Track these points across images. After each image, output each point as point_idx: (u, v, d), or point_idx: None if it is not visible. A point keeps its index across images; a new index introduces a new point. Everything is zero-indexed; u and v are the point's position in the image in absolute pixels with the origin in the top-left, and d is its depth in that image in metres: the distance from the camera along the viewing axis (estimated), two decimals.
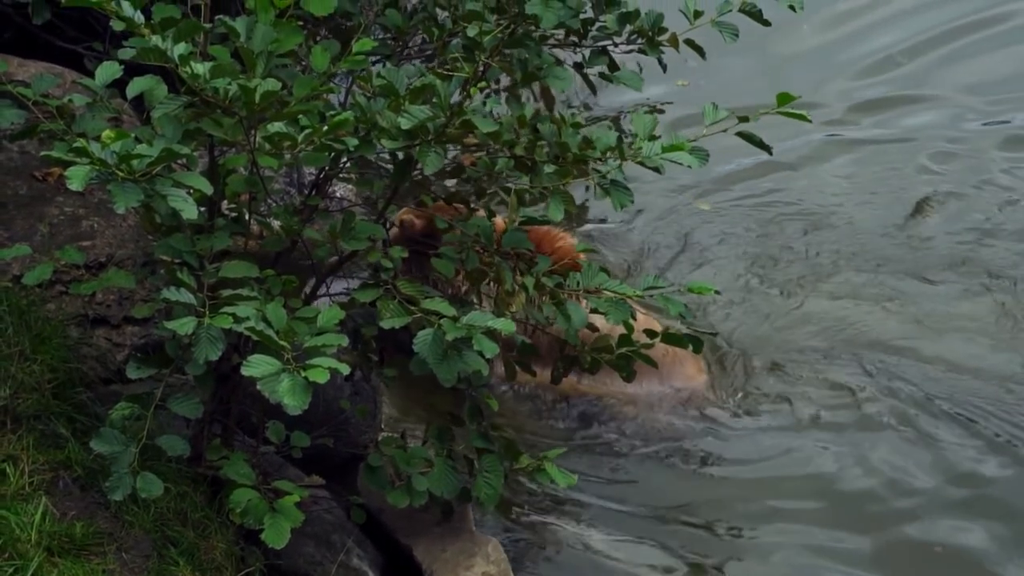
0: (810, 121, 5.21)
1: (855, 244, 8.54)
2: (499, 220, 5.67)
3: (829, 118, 9.62)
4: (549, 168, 5.08)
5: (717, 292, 5.44)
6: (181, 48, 4.46)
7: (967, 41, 10.55)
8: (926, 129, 9.70)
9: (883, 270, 8.31)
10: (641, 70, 6.03)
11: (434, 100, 4.87)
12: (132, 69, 4.80)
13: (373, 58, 5.67)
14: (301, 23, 4.81)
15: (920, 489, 6.75)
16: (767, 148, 5.31)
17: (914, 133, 9.66)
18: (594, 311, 5.29)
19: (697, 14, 5.48)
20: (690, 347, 5.47)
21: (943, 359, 7.60)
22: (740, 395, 7.29)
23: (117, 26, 4.55)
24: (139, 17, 4.49)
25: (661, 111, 9.31)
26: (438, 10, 5.44)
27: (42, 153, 4.87)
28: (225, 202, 5.21)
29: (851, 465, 6.89)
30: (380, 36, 5.79)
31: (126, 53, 4.64)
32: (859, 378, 7.42)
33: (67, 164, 4.38)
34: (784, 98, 5.04)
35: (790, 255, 8.44)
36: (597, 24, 5.64)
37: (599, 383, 7.11)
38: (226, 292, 4.68)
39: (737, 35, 5.48)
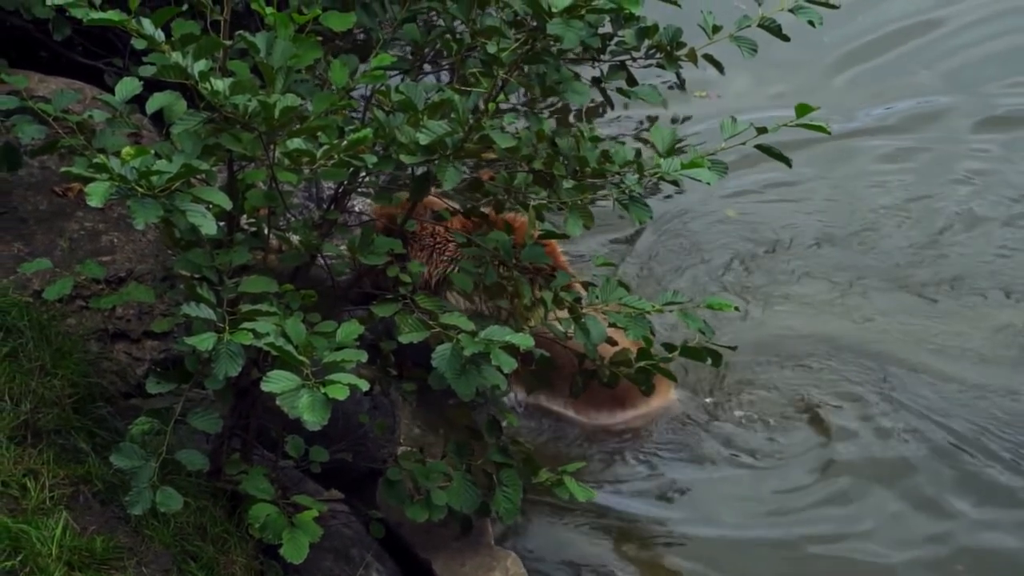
0: (830, 133, 5.21)
1: (853, 255, 8.43)
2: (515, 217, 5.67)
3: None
4: (568, 183, 5.10)
5: (736, 309, 5.41)
6: (201, 65, 4.48)
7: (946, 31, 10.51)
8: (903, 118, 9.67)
9: (871, 279, 8.19)
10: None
11: (452, 115, 4.89)
12: (151, 84, 4.81)
13: (392, 72, 5.67)
14: (320, 38, 4.81)
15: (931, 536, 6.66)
16: (787, 161, 5.30)
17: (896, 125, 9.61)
18: (612, 326, 5.30)
19: (716, 29, 5.48)
20: (709, 361, 5.46)
21: (948, 376, 7.50)
22: (740, 414, 7.24)
23: (138, 45, 4.58)
24: (159, 35, 4.51)
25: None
26: (456, 24, 5.44)
27: (62, 169, 4.87)
28: (244, 217, 5.23)
29: (856, 500, 6.82)
30: (398, 51, 5.79)
31: (147, 70, 4.66)
32: (862, 405, 7.31)
33: (87, 180, 4.38)
34: (803, 109, 5.05)
35: (785, 263, 8.34)
36: (615, 39, 5.63)
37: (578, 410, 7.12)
38: (245, 307, 4.68)
39: (756, 50, 5.48)
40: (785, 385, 7.41)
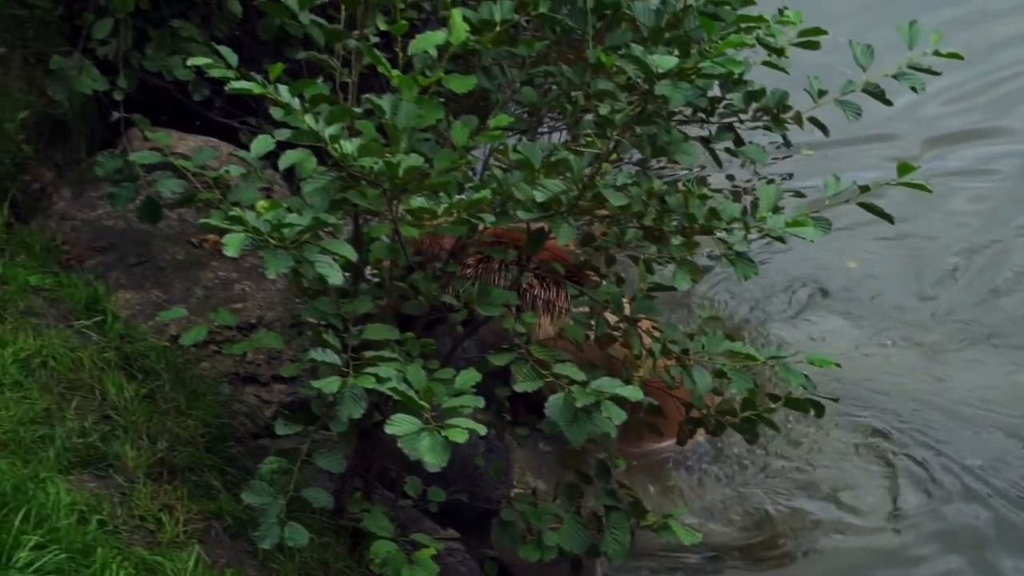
0: (931, 191, 5.31)
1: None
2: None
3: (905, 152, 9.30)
4: (676, 239, 5.24)
5: (838, 365, 5.50)
6: (332, 129, 4.67)
7: None
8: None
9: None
10: None
11: (567, 174, 5.07)
12: (283, 141, 4.98)
13: (509, 132, 5.83)
14: (442, 99, 4.96)
15: None
16: (888, 218, 5.40)
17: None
18: (719, 375, 5.44)
19: (821, 93, 5.59)
20: (812, 412, 5.58)
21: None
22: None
23: (276, 113, 4.77)
24: (295, 102, 4.73)
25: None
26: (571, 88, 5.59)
27: (199, 221, 5.10)
28: (368, 268, 5.43)
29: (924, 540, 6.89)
30: (516, 111, 5.97)
31: (282, 134, 4.85)
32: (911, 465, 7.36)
33: (223, 231, 4.58)
34: (904, 168, 5.16)
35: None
36: (724, 102, 5.76)
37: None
38: (369, 353, 4.85)
39: (860, 114, 5.58)
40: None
